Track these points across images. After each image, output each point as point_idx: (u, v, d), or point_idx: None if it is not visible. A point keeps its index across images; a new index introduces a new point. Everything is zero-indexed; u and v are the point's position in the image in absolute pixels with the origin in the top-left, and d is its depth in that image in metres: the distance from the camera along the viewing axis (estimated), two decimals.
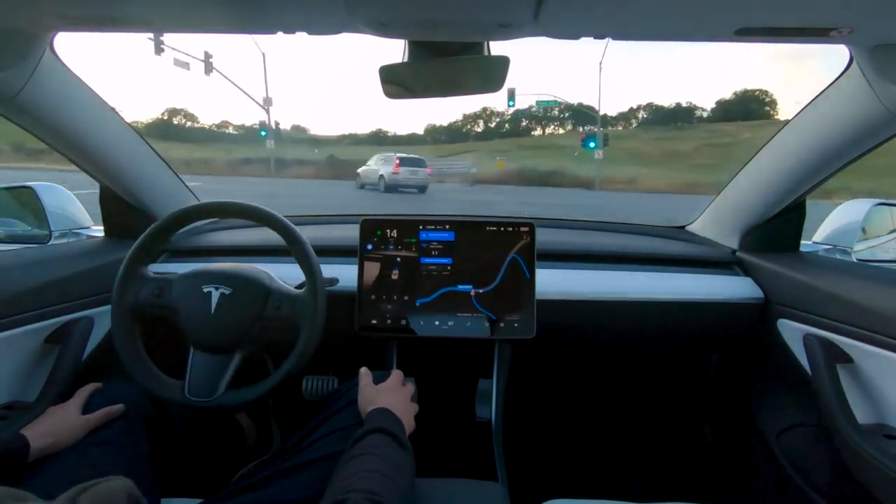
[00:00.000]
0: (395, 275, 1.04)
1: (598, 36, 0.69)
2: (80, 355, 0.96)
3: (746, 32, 0.63)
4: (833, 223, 1.33)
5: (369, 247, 1.04)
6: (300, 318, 0.85)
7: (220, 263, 0.91)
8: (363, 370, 0.84)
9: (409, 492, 0.61)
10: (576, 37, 0.71)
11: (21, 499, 0.42)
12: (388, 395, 0.77)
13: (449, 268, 1.04)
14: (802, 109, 0.96)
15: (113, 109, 1.03)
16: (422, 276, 1.04)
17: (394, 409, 0.73)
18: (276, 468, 0.73)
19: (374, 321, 1.03)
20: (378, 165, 13.07)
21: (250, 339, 0.85)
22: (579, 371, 1.50)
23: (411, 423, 0.77)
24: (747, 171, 1.15)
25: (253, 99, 23.32)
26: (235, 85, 20.45)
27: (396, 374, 0.85)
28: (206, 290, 0.84)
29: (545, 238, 1.10)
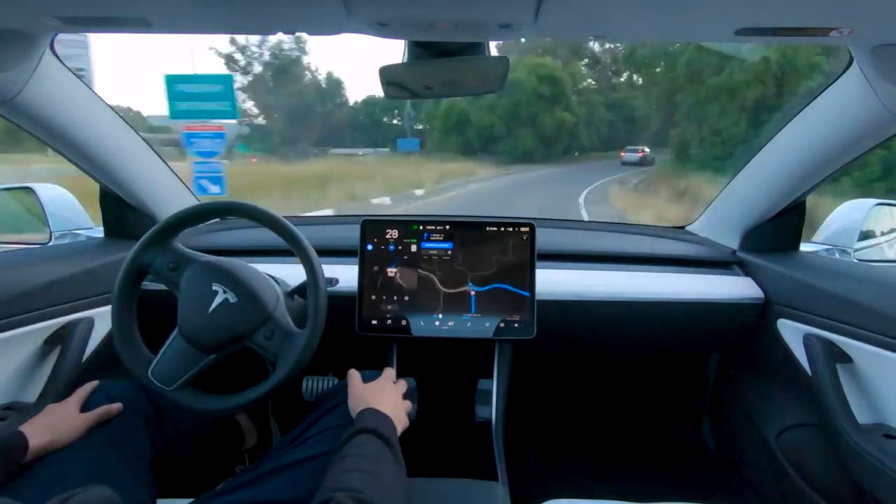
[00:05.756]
0: (395, 275, 1.04)
1: (598, 36, 0.69)
2: (80, 356, 0.96)
3: (746, 32, 0.63)
4: (833, 223, 1.33)
5: (369, 247, 1.04)
6: (281, 355, 0.81)
7: (240, 264, 0.88)
8: (351, 371, 0.83)
9: (395, 488, 0.61)
10: (576, 37, 0.72)
11: None
12: (378, 393, 0.77)
13: (449, 268, 1.04)
14: (802, 109, 0.96)
15: (113, 110, 1.03)
16: (422, 276, 1.04)
17: (383, 407, 0.73)
18: (268, 467, 0.73)
19: (374, 321, 1.03)
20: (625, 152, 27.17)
21: (228, 348, 0.83)
22: (579, 371, 1.50)
23: (403, 420, 0.76)
24: (747, 171, 1.15)
25: None
26: None
27: (387, 373, 0.85)
28: (214, 287, 0.83)
29: (545, 238, 1.10)
